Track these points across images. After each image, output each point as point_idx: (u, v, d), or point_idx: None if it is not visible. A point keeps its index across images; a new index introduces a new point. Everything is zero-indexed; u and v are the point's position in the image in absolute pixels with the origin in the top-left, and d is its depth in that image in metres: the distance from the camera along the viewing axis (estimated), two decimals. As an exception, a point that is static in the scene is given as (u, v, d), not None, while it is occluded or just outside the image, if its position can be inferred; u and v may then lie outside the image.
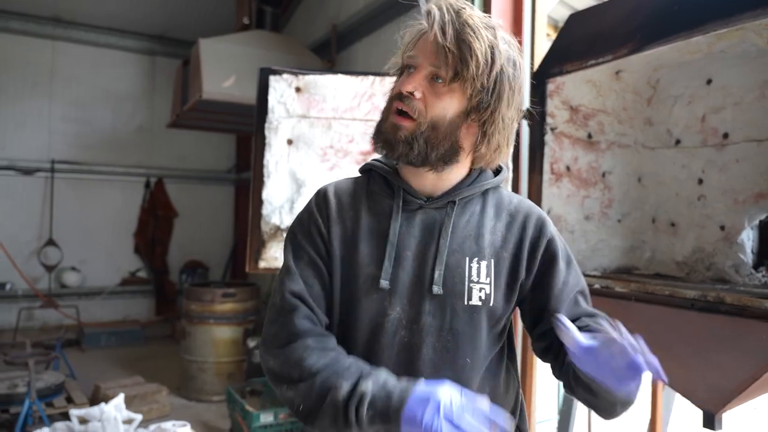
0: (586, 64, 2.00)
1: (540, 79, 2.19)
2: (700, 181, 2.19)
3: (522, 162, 2.39)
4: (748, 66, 1.99)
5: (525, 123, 2.32)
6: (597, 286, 1.91)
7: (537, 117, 2.21)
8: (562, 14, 3.33)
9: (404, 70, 1.07)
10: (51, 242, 6.78)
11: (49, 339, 5.84)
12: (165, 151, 7.50)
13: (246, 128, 5.84)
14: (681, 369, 1.85)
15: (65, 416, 3.72)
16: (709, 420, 1.80)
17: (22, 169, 6.70)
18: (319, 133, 2.22)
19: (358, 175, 1.21)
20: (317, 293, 1.08)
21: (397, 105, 1.04)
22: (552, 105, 2.19)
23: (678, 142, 2.27)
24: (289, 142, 2.21)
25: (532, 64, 2.71)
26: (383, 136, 1.06)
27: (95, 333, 6.47)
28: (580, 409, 3.52)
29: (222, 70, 4.43)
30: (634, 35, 1.82)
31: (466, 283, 1.05)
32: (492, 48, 1.01)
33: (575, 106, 2.23)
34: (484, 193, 1.14)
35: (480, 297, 1.05)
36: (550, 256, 1.11)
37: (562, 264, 1.12)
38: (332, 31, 4.98)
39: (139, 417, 2.99)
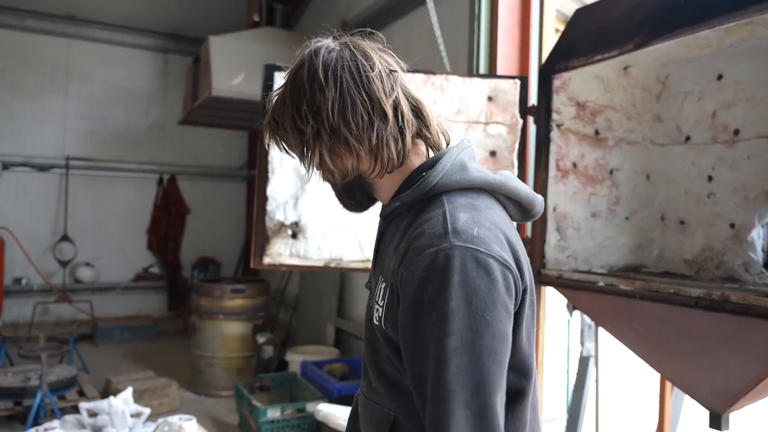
0: (592, 59, 1.97)
1: (546, 74, 2.17)
2: (710, 179, 2.16)
3: (528, 159, 2.37)
4: (760, 61, 1.95)
5: (531, 119, 2.30)
6: (601, 283, 1.89)
7: (543, 113, 2.19)
8: (572, 9, 3.29)
9: None
10: (65, 238, 6.87)
11: (63, 333, 5.93)
12: (178, 148, 7.55)
13: (256, 125, 5.86)
14: (686, 368, 1.82)
15: (77, 409, 3.77)
16: (716, 420, 1.77)
17: (37, 166, 6.79)
18: (323, 129, 2.21)
19: None
20: None
21: None
22: (558, 101, 2.17)
23: (688, 138, 2.23)
24: (294, 138, 2.21)
25: (540, 59, 2.69)
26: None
27: (108, 328, 6.55)
28: (589, 408, 3.49)
29: (231, 67, 4.45)
30: (640, 30, 1.80)
31: (373, 301, 1.02)
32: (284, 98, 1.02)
33: (582, 102, 2.20)
34: (412, 206, 0.99)
35: (376, 318, 0.98)
36: (402, 298, 0.89)
37: (410, 314, 0.87)
38: (341, 27, 4.98)
39: (147, 410, 3.01)
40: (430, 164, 1.00)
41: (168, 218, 7.47)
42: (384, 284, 0.97)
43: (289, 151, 1.06)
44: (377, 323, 0.98)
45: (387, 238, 1.04)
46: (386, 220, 1.06)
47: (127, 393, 2.97)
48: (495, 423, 0.82)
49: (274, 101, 1.04)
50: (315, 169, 1.04)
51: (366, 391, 1.09)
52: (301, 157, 1.04)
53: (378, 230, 1.12)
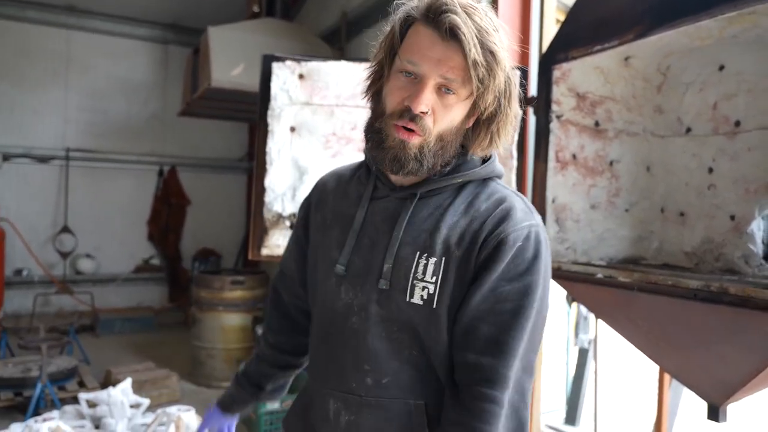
0: (592, 50, 1.96)
1: (546, 65, 2.15)
2: (711, 170, 2.15)
3: (528, 150, 2.35)
4: (762, 52, 1.93)
5: (531, 110, 2.29)
6: (600, 275, 1.89)
7: (543, 104, 2.17)
8: None
9: (398, 73, 0.97)
10: (66, 229, 6.87)
11: (64, 324, 5.94)
12: (178, 139, 7.54)
13: (255, 116, 5.85)
14: (685, 360, 1.82)
15: (77, 400, 3.78)
16: (714, 412, 1.77)
17: (37, 157, 6.78)
18: (321, 120, 2.20)
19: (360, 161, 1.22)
20: (291, 274, 1.26)
21: (404, 123, 0.95)
22: (558, 92, 2.15)
23: (689, 130, 2.22)
24: (292, 129, 2.20)
25: (540, 50, 2.67)
26: (390, 152, 0.97)
27: (109, 319, 6.56)
28: (588, 399, 3.50)
29: (231, 58, 4.43)
30: (641, 19, 1.78)
31: (410, 279, 0.98)
32: (505, 51, 0.95)
33: (582, 94, 2.19)
34: (463, 186, 1.04)
35: (422, 296, 0.97)
36: (491, 259, 0.95)
37: (496, 275, 0.95)
38: (342, 18, 4.95)
39: (146, 401, 3.02)
40: (486, 158, 1.09)
41: (168, 210, 7.47)
42: (433, 258, 0.98)
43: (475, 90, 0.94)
44: (423, 301, 0.97)
45: (421, 214, 1.02)
46: (419, 197, 1.03)
47: (126, 384, 2.98)
48: (533, 376, 1.00)
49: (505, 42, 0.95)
50: (496, 119, 0.99)
51: (368, 391, 1.02)
52: (482, 108, 0.97)
53: (391, 207, 1.04)
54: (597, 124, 2.23)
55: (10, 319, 6.24)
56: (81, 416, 2.95)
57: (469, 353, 0.95)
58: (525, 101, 2.27)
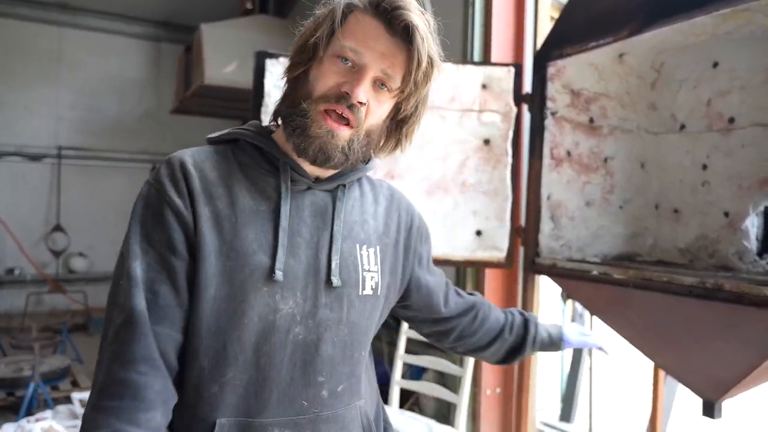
0: (586, 46, 1.95)
1: (540, 62, 2.15)
2: (705, 167, 2.15)
3: (522, 147, 2.35)
4: (755, 48, 1.94)
5: (525, 107, 2.29)
6: (595, 272, 1.89)
7: (537, 101, 2.17)
8: (568, -3, 3.26)
9: (335, 58, 0.91)
10: (58, 228, 6.83)
11: (57, 323, 5.91)
12: (171, 137, 7.50)
13: (249, 114, 5.84)
14: (680, 357, 1.82)
15: (70, 400, 3.76)
16: (709, 408, 1.77)
17: (29, 156, 6.73)
18: (316, 117, 2.19)
19: (212, 146, 1.00)
20: (167, 303, 0.88)
21: (339, 110, 0.89)
22: (552, 89, 2.15)
23: (683, 127, 2.22)
24: (286, 126, 2.19)
25: (535, 47, 2.67)
26: (316, 141, 0.90)
27: (102, 318, 6.46)
28: (583, 396, 3.51)
29: (224, 55, 4.40)
30: (635, 16, 1.78)
31: (360, 271, 0.98)
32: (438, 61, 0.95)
33: (577, 90, 2.18)
34: (359, 179, 1.08)
35: (372, 286, 1.00)
36: (427, 244, 1.19)
37: (430, 250, 1.21)
38: None
39: (140, 401, 3.01)
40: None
41: (162, 208, 7.43)
42: (372, 249, 1.03)
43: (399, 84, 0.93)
44: (372, 290, 1.01)
45: (347, 207, 1.01)
46: (338, 192, 1.01)
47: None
48: None
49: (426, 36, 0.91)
50: (409, 121, 1.01)
51: (324, 405, 0.95)
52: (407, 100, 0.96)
53: (319, 201, 0.98)
54: (592, 120, 2.23)
55: (3, 319, 6.21)
56: (74, 416, 2.93)
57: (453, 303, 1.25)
58: (519, 98, 2.27)
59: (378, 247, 1.03)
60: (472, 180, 2.27)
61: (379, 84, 0.91)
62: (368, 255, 1.01)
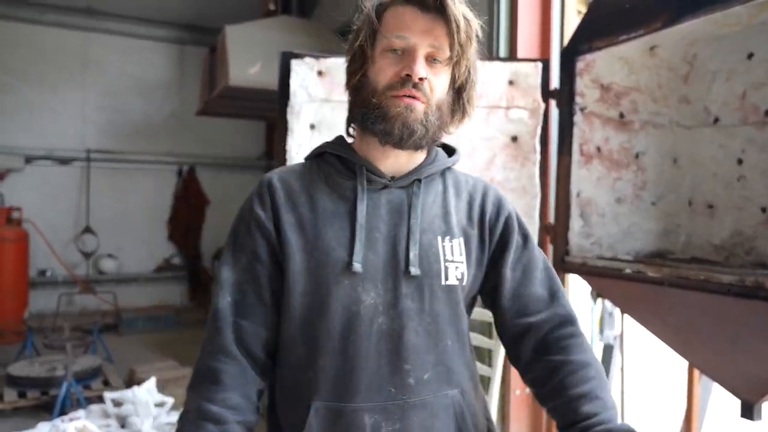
0: (617, 39, 1.91)
1: (569, 57, 2.11)
2: (740, 161, 2.09)
3: (551, 144, 2.31)
4: (793, 38, 1.87)
5: (553, 103, 2.25)
6: (628, 270, 1.85)
7: (566, 96, 2.13)
8: (594, -10, 3.20)
9: (385, 52, 1.00)
10: (88, 230, 6.96)
11: (88, 323, 6.01)
12: (196, 139, 7.59)
13: (273, 114, 5.89)
14: (717, 357, 1.78)
15: (102, 399, 3.83)
16: (748, 410, 1.73)
17: (58, 159, 6.87)
18: (341, 117, 2.17)
19: (303, 161, 1.15)
20: (251, 302, 1.02)
21: (406, 92, 0.98)
22: (581, 84, 2.11)
23: (716, 120, 2.16)
24: (312, 126, 2.19)
25: (562, 42, 2.62)
26: (398, 120, 0.97)
27: (132, 318, 6.64)
28: (615, 396, 3.45)
29: (248, 56, 4.43)
30: (668, 7, 1.73)
31: (442, 262, 1.02)
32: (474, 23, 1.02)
33: (606, 85, 2.14)
34: (443, 173, 1.12)
35: (456, 276, 1.03)
36: (509, 234, 1.12)
37: (519, 241, 1.13)
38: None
39: (171, 400, 3.04)
40: (451, 150, 1.18)
41: (188, 209, 7.53)
42: (456, 240, 1.06)
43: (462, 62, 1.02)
44: (458, 281, 1.04)
45: (427, 200, 1.07)
46: (414, 187, 1.06)
47: (151, 383, 3.00)
48: None
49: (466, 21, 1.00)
50: (466, 87, 1.06)
51: (411, 392, 0.98)
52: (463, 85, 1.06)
53: (395, 198, 1.05)
54: (622, 115, 2.18)
55: (35, 319, 6.34)
56: (107, 415, 2.98)
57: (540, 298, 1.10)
58: (547, 94, 2.24)
59: (462, 239, 1.06)
60: (500, 177, 2.24)
61: (431, 59, 0.99)
62: (451, 246, 1.04)
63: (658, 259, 2.14)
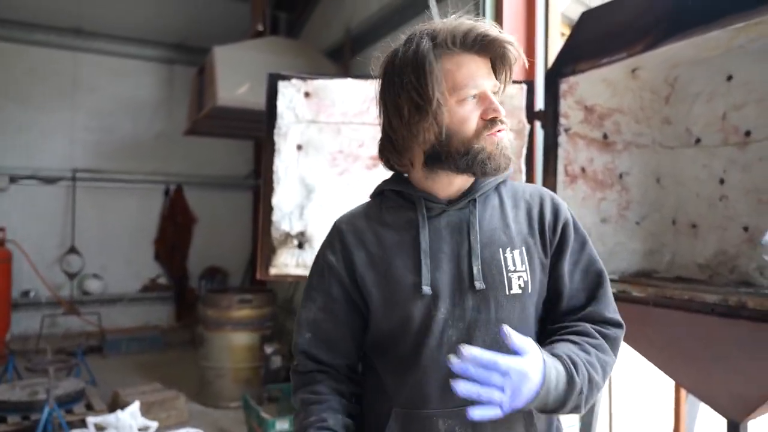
0: (599, 62, 1.95)
1: (552, 78, 2.14)
2: (722, 181, 2.12)
3: (536, 164, 2.34)
4: (770, 61, 1.92)
5: (538, 124, 2.28)
6: (614, 290, 1.85)
7: (550, 118, 2.16)
8: (578, 12, 3.26)
9: (463, 101, 1.07)
10: (73, 250, 6.88)
11: (71, 345, 5.92)
12: (184, 158, 7.57)
13: (261, 134, 5.89)
14: (702, 375, 1.78)
15: (85, 423, 3.75)
16: (734, 429, 1.73)
17: (44, 179, 6.81)
18: (328, 138, 2.19)
19: (368, 200, 1.25)
20: (328, 337, 1.17)
21: (497, 130, 1.07)
22: (565, 105, 2.14)
23: (698, 141, 2.20)
24: (299, 147, 2.20)
25: (546, 64, 2.66)
26: (501, 155, 1.07)
27: (116, 339, 6.53)
28: (603, 415, 3.44)
29: (236, 77, 4.45)
30: (649, 32, 1.77)
31: (504, 273, 1.09)
32: None
33: (590, 106, 2.17)
34: (497, 188, 1.18)
35: (519, 285, 1.09)
36: (566, 238, 1.16)
37: (575, 245, 1.16)
38: (346, 35, 4.97)
39: (154, 424, 2.99)
40: None
41: (175, 228, 7.47)
42: (517, 250, 1.11)
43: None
44: (521, 289, 1.09)
45: (485, 217, 1.13)
46: (470, 206, 1.13)
47: (135, 407, 2.95)
48: None
49: None
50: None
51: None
52: None
53: (454, 220, 1.12)
54: (605, 136, 2.21)
55: (18, 341, 6.23)
56: (89, 440, 2.92)
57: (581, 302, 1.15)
58: (532, 115, 2.27)
59: (524, 248, 1.12)
60: (486, 198, 2.25)
61: (494, 92, 1.09)
62: (513, 257, 1.11)
63: (643, 278, 2.16)
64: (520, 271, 1.10)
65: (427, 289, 1.08)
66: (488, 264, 1.09)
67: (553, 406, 0.98)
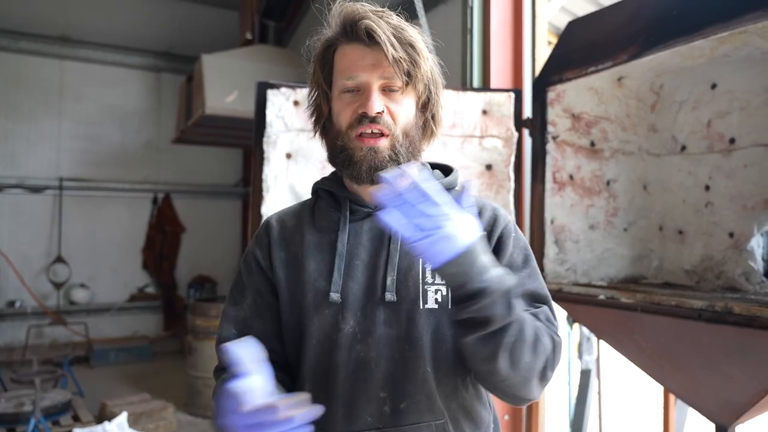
0: (586, 71, 1.97)
1: (540, 87, 2.16)
2: (707, 188, 2.15)
3: (524, 171, 2.35)
4: (753, 69, 1.95)
5: (526, 132, 2.29)
6: (602, 296, 1.87)
7: (538, 125, 2.18)
8: (564, 21, 3.30)
9: (341, 94, 1.02)
10: (59, 259, 6.81)
11: (58, 356, 5.86)
12: (172, 166, 7.53)
13: (250, 142, 5.90)
14: (690, 380, 1.80)
15: (71, 435, 3.70)
16: (722, 433, 1.74)
17: (30, 188, 6.75)
18: (317, 146, 2.19)
19: (307, 198, 1.18)
20: (258, 332, 1.05)
21: (366, 128, 0.98)
22: (553, 113, 2.16)
23: (684, 148, 2.22)
24: (288, 155, 2.19)
25: (533, 72, 2.69)
26: (364, 164, 0.99)
27: (104, 349, 6.47)
28: (592, 421, 3.45)
29: (225, 85, 4.45)
30: (634, 41, 1.79)
31: (420, 285, 0.99)
32: (422, 42, 1.02)
33: (577, 114, 2.19)
34: None
35: (436, 299, 0.99)
36: (501, 250, 1.05)
37: (515, 259, 1.05)
38: (312, 38, 4.98)
39: (143, 435, 2.96)
40: (448, 169, 1.15)
41: (163, 237, 7.43)
42: None
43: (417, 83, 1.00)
44: (438, 304, 0.99)
45: None
46: None
47: (122, 418, 2.92)
48: None
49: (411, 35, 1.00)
50: (429, 104, 1.06)
51: (387, 421, 0.97)
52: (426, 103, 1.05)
53: (377, 225, 1.02)
54: (593, 144, 2.23)
55: (3, 352, 6.15)
56: (76, 452, 2.89)
57: None
58: (520, 123, 2.28)
59: None
60: (475, 205, 2.26)
61: (387, 90, 1.00)
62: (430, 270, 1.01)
63: (631, 284, 2.17)
64: (438, 284, 1.00)
65: (335, 296, 0.99)
66: (404, 274, 1.00)
67: (467, 298, 0.83)
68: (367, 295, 1.00)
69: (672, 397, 2.38)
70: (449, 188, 1.09)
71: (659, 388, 2.20)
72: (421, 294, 0.99)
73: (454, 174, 1.13)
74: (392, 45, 0.95)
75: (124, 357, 6.48)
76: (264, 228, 1.12)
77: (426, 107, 1.06)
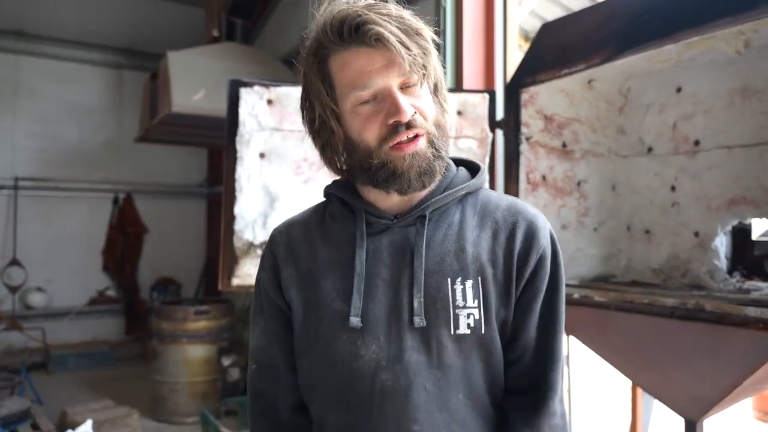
0: (559, 73, 2.00)
1: (513, 89, 2.19)
2: (673, 189, 2.21)
3: (498, 172, 2.38)
4: (717, 74, 2.01)
5: (500, 133, 2.32)
6: (576, 296, 1.90)
7: (512, 126, 2.20)
8: (533, 25, 3.35)
9: (357, 107, 0.90)
10: (15, 262, 6.56)
11: (14, 363, 5.63)
12: (133, 166, 7.35)
13: (217, 141, 5.77)
14: (661, 376, 1.84)
15: (31, 444, 3.57)
16: (691, 428, 1.79)
17: (-17, 188, 6.49)
18: (292, 146, 2.17)
19: (317, 203, 1.07)
20: (270, 365, 1.02)
21: (404, 136, 0.87)
22: (526, 114, 2.18)
23: (650, 150, 2.28)
24: (262, 155, 2.16)
25: (505, 74, 2.72)
26: (411, 171, 0.88)
27: (63, 355, 6.26)
28: None
29: (191, 83, 4.36)
30: (607, 44, 1.83)
31: (451, 309, 0.89)
32: (419, 23, 0.93)
33: (549, 116, 2.23)
34: (462, 199, 0.97)
35: (468, 324, 0.89)
36: (537, 275, 0.94)
37: (547, 286, 0.96)
38: (301, 42, 4.94)
39: (108, 443, 2.87)
40: (475, 168, 1.04)
41: (124, 239, 7.24)
42: (470, 281, 0.91)
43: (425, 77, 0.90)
44: (470, 329, 0.90)
45: (436, 237, 0.94)
46: (424, 220, 0.94)
47: (87, 426, 2.83)
48: None
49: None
50: (438, 86, 0.95)
51: None
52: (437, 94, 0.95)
53: (398, 239, 0.94)
54: (564, 145, 2.27)
55: (-45, 360, 5.89)
56: (37, 462, 2.78)
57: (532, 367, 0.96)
58: (494, 124, 2.31)
59: (479, 279, 0.91)
60: (450, 205, 2.27)
61: (406, 86, 0.89)
62: (463, 289, 0.90)
63: (602, 283, 2.22)
64: (470, 308, 0.90)
65: (355, 321, 0.89)
66: (432, 297, 0.90)
67: None
68: (391, 319, 0.90)
69: (639, 391, 2.44)
70: (476, 190, 0.99)
71: (627, 383, 2.25)
72: (452, 319, 0.89)
73: (481, 174, 1.01)
74: (403, 44, 0.85)
75: (84, 363, 6.29)
76: (268, 247, 1.04)
77: (437, 89, 0.96)
